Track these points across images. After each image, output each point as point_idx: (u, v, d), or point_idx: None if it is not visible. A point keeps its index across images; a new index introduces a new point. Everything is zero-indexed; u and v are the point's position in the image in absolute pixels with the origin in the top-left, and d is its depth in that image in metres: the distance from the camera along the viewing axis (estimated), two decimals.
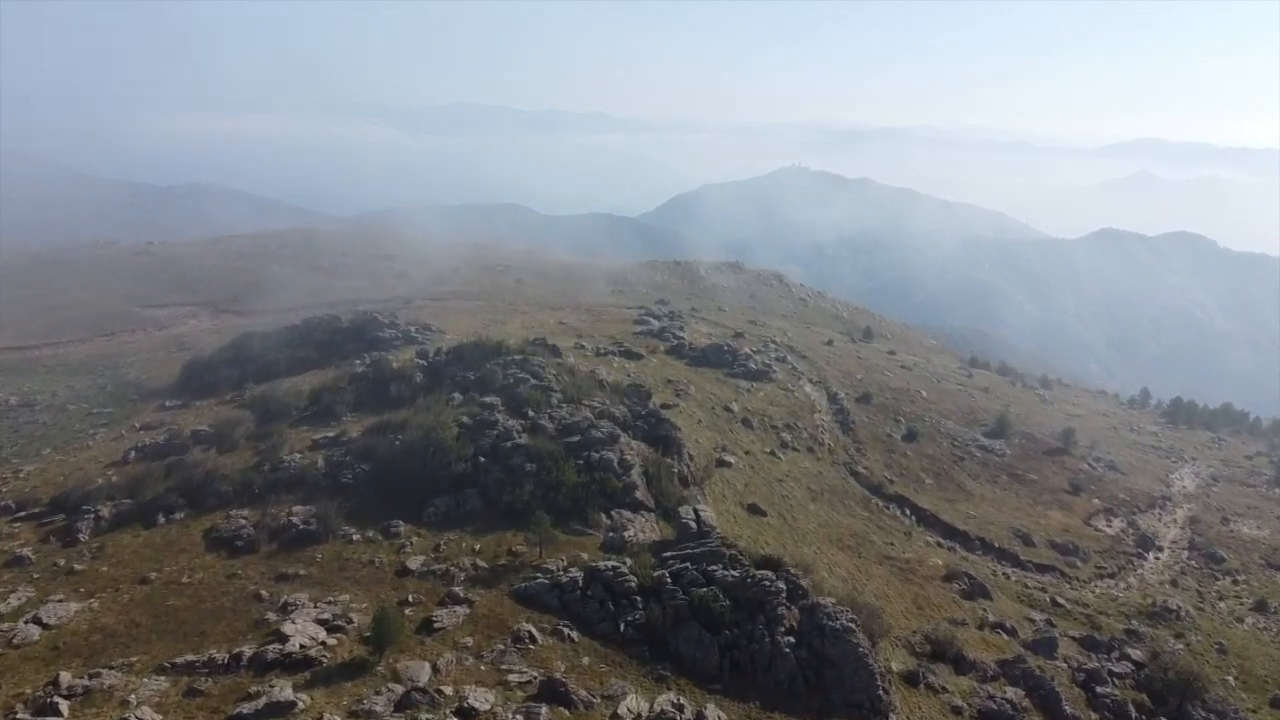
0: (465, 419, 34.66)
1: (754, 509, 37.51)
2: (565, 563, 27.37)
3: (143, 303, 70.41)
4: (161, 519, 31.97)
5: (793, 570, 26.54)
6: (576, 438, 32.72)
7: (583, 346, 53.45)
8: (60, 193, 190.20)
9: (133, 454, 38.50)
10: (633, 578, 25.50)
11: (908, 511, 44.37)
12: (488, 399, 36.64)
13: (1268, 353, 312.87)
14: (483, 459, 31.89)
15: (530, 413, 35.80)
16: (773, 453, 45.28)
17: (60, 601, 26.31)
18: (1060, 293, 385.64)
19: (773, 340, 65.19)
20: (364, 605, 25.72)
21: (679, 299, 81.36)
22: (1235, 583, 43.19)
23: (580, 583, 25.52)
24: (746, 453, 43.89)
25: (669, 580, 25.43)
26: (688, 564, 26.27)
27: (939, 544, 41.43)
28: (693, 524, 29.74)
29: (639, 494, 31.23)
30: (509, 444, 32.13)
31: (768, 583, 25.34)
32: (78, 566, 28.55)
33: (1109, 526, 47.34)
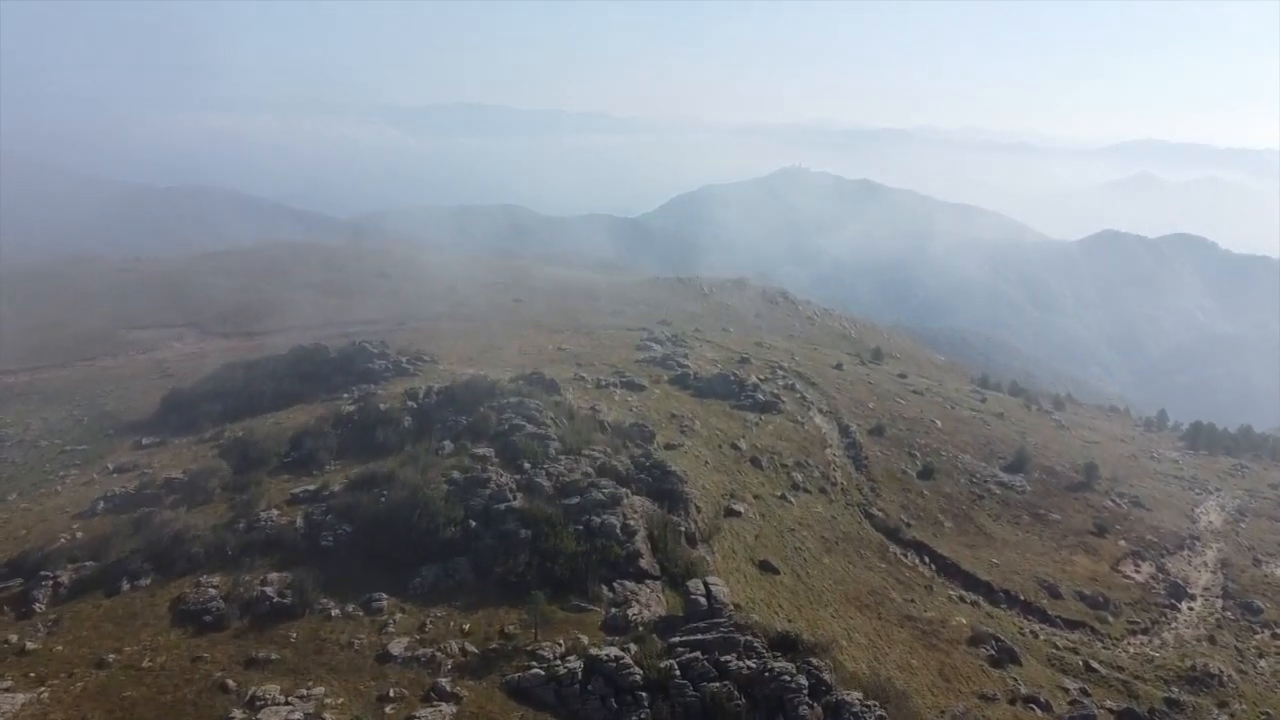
0: (456, 473, 32.12)
1: (766, 566, 35.00)
2: (563, 648, 24.86)
3: (127, 323, 67.81)
4: (126, 585, 29.46)
5: (815, 663, 23.94)
6: (576, 499, 30.15)
7: (582, 378, 50.90)
8: (58, 195, 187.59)
9: (101, 504, 35.99)
10: (638, 670, 22.97)
11: (927, 559, 41.87)
12: (480, 450, 34.10)
13: (1268, 355, 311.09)
14: (474, 523, 29.35)
15: (526, 465, 33.27)
16: (783, 496, 42.75)
17: (7, 691, 23.82)
18: (1061, 295, 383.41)
19: (780, 366, 62.65)
20: (340, 700, 23.19)
21: (682, 319, 78.80)
22: (1275, 635, 40.72)
23: (580, 675, 23.02)
24: (756, 497, 41.38)
25: (678, 673, 22.93)
26: (698, 652, 23.75)
27: (961, 598, 38.92)
28: (703, 599, 27.17)
29: (643, 562, 28.70)
30: (502, 506, 29.58)
31: (787, 677, 22.85)
32: (30, 645, 25.99)
33: (1137, 572, 44.83)
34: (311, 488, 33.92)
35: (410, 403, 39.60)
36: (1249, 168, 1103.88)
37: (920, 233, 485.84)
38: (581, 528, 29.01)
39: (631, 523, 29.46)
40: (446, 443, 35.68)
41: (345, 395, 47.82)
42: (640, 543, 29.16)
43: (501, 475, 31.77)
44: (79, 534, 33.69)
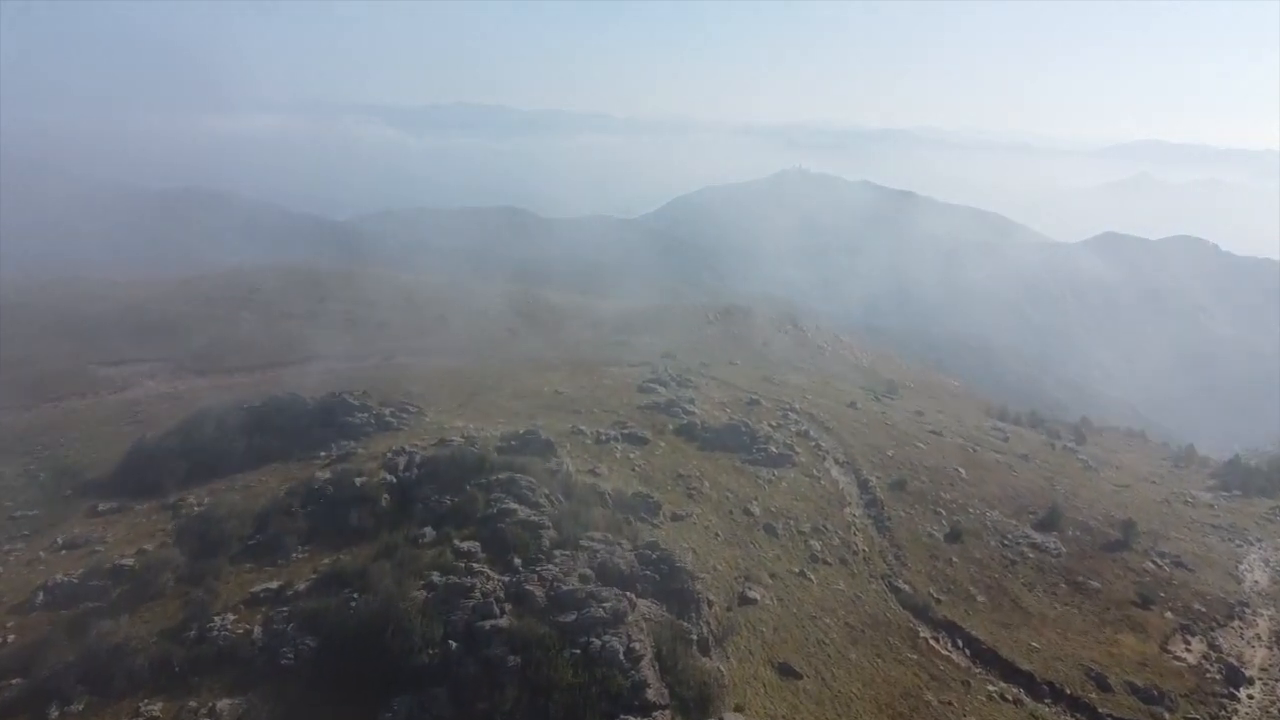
0: (436, 576, 28.12)
1: (787, 670, 31.08)
2: None
3: (98, 358, 63.84)
4: (55, 711, 25.60)
5: None
6: (573, 616, 26.15)
7: (580, 431, 46.92)
8: (56, 199, 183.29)
9: (41, 597, 32.08)
10: None
11: (961, 643, 37.93)
12: (465, 544, 30.10)
13: (1270, 358, 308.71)
14: (454, 644, 25.37)
15: (517, 562, 29.31)
16: (802, 572, 38.80)
17: None
18: (1062, 297, 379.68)
19: (792, 408, 58.67)
20: None
21: (686, 350, 74.81)
22: None
23: None
24: (773, 576, 37.43)
25: None
26: None
27: (1002, 695, 34.94)
28: None
29: (650, 693, 24.74)
30: (488, 625, 25.59)
31: None
32: None
33: (1189, 652, 40.92)
34: (274, 585, 29.97)
35: (389, 476, 35.59)
36: (1249, 169, 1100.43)
37: (921, 234, 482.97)
38: (579, 651, 25.04)
39: (637, 645, 25.49)
40: (428, 530, 31.71)
41: (323, 453, 43.99)
42: (647, 668, 25.19)
43: (489, 580, 27.77)
44: (11, 636, 29.83)
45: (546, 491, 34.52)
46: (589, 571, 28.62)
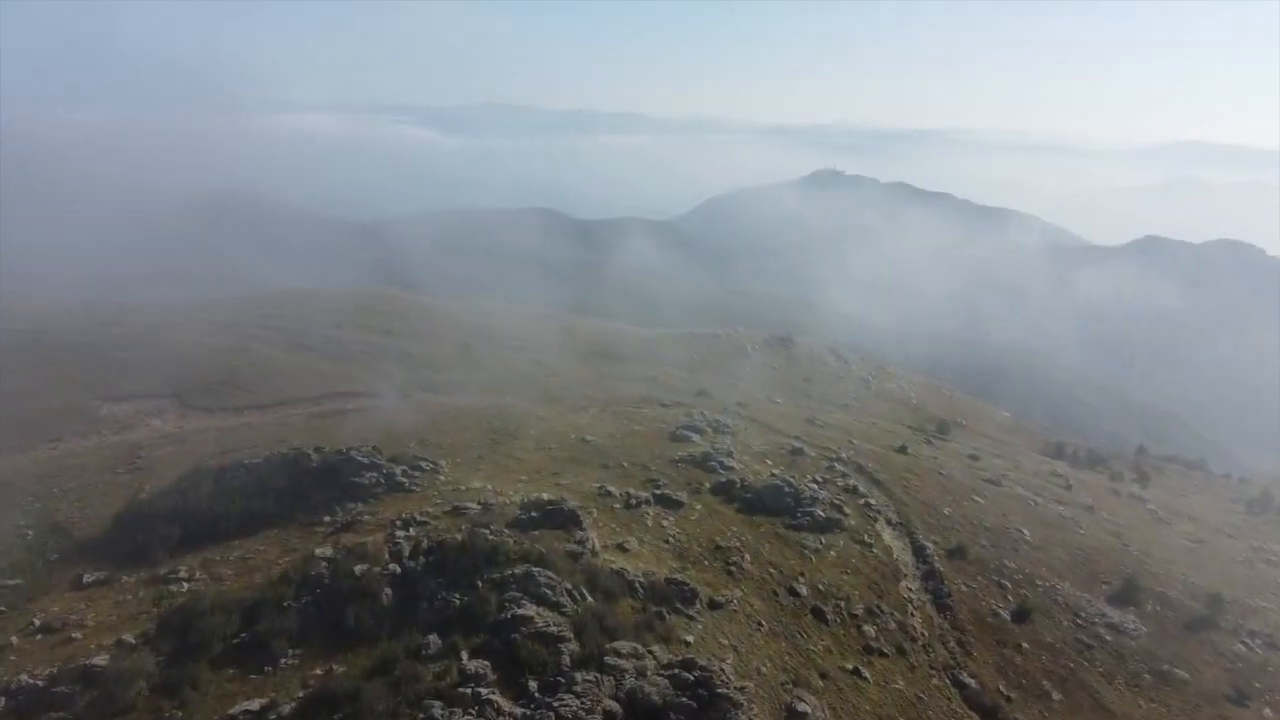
0: (438, 708, 24.14)
1: None
2: None
3: (102, 393, 60.68)
4: None
5: None
6: None
7: (609, 493, 42.80)
8: (90, 199, 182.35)
9: (2, 702, 28.55)
10: None
11: None
12: (473, 664, 26.07)
13: None
14: None
15: (531, 686, 25.29)
16: (856, 670, 34.45)
17: None
18: (1103, 302, 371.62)
19: (839, 456, 54.22)
20: None
21: (723, 386, 70.60)
22: None
23: None
24: (824, 677, 33.14)
25: None
26: None
27: None
28: None
29: None
30: None
31: None
32: None
33: None
34: (255, 706, 26.12)
35: (393, 565, 31.64)
36: None
37: (955, 238, 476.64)
38: None
39: None
40: (432, 638, 27.71)
41: (327, 518, 40.23)
42: None
43: (498, 714, 23.75)
44: None
45: (568, 587, 30.44)
46: (615, 706, 24.48)
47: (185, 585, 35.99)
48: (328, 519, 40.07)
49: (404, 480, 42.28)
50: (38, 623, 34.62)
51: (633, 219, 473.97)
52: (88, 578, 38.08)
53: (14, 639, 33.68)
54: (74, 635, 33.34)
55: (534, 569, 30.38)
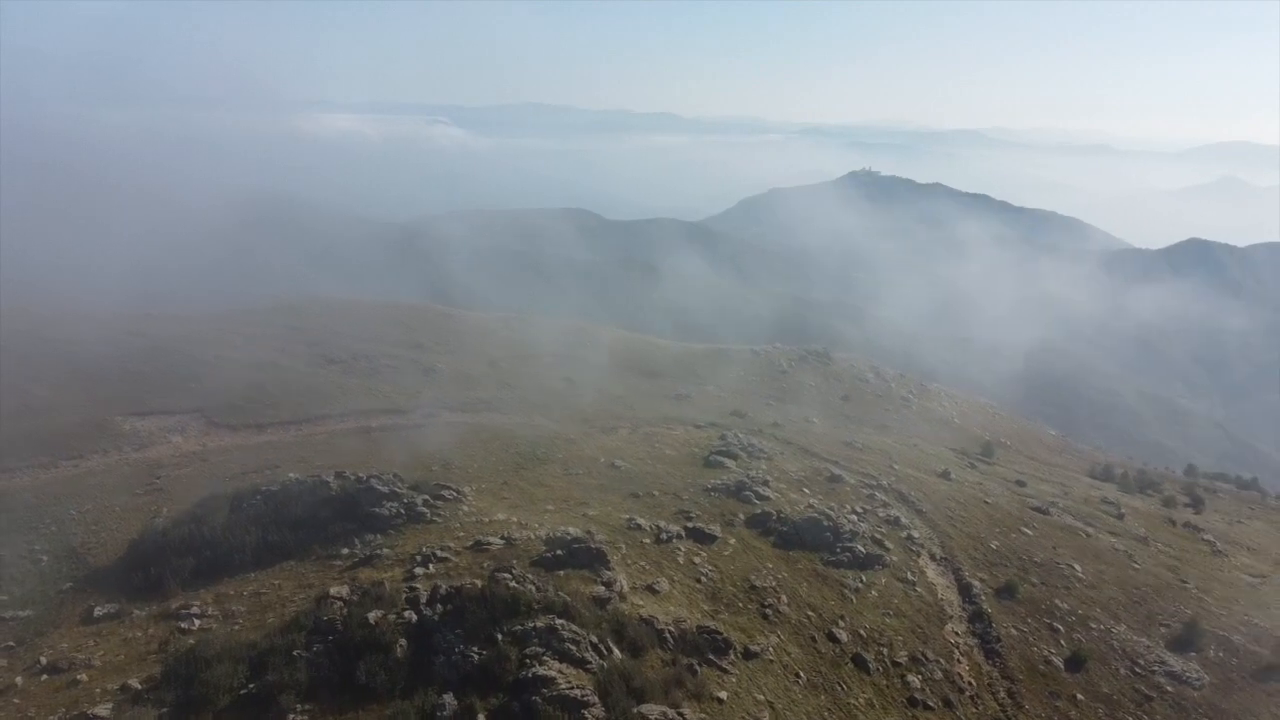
0: None
1: None
2: None
3: (125, 407, 59.68)
4: None
5: None
6: None
7: (638, 527, 40.86)
8: (127, 199, 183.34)
9: None
10: None
11: None
12: None
13: None
14: None
15: None
16: None
17: None
18: (1143, 306, 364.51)
19: (879, 483, 51.90)
20: None
21: (757, 403, 68.48)
22: None
23: None
24: None
25: None
26: None
27: None
28: None
29: None
30: None
31: None
32: None
33: None
34: None
35: (409, 612, 29.89)
36: None
37: (994, 239, 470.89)
38: None
39: None
40: (448, 698, 25.95)
41: (345, 550, 38.69)
42: None
43: None
44: None
45: (593, 640, 28.53)
46: None
47: (196, 623, 34.61)
48: (345, 551, 38.55)
49: (425, 511, 40.61)
50: (44, 661, 33.34)
51: (666, 219, 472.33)
52: (99, 610, 36.81)
53: (19, 679, 32.41)
54: (79, 677, 31.98)
55: (557, 621, 28.51)
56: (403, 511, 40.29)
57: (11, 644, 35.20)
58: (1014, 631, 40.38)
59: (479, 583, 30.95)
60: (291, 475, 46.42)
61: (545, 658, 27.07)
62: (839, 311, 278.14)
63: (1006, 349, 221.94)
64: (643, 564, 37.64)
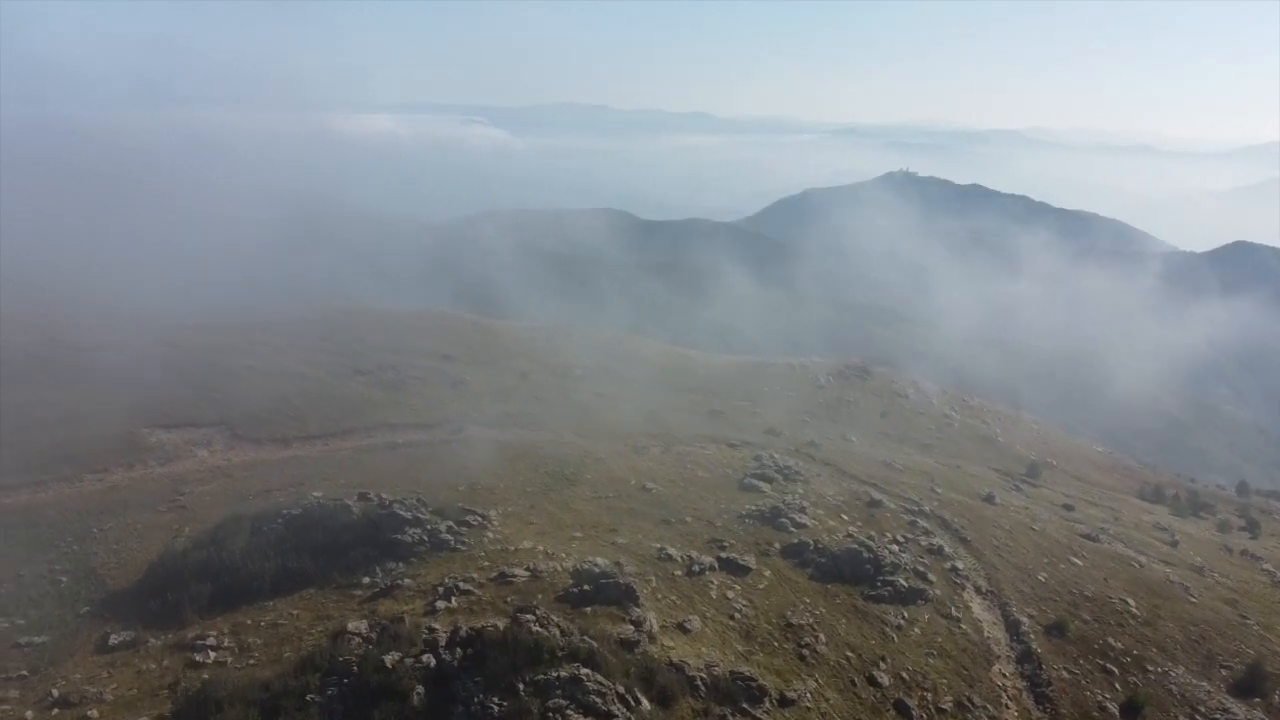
0: None
1: None
2: None
3: (151, 418, 59.07)
4: None
5: None
6: None
7: (669, 557, 39.22)
8: (170, 200, 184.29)
9: None
10: None
11: None
12: None
13: None
14: None
15: None
16: None
17: None
18: (1188, 312, 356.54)
19: (920, 508, 49.83)
20: None
21: (793, 420, 66.55)
22: None
23: None
24: None
25: None
26: None
27: None
28: None
29: None
30: None
31: None
32: None
33: None
34: None
35: (428, 655, 28.47)
36: None
37: (1033, 243, 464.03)
38: None
39: None
40: None
41: (366, 579, 37.45)
42: None
43: None
44: None
45: (620, 690, 26.96)
46: None
47: (211, 655, 33.53)
48: (366, 580, 37.31)
49: (449, 538, 39.26)
50: (56, 693, 32.37)
51: (700, 220, 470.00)
52: (114, 639, 35.85)
53: (29, 713, 31.49)
54: (90, 713, 30.96)
55: (582, 671, 26.96)
56: (426, 539, 38.97)
57: (24, 673, 34.28)
58: (1065, 674, 38.23)
59: (501, 624, 29.47)
60: (315, 495, 45.40)
61: (569, 711, 25.57)
62: (876, 316, 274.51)
63: (1047, 354, 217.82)
64: (673, 598, 36.01)
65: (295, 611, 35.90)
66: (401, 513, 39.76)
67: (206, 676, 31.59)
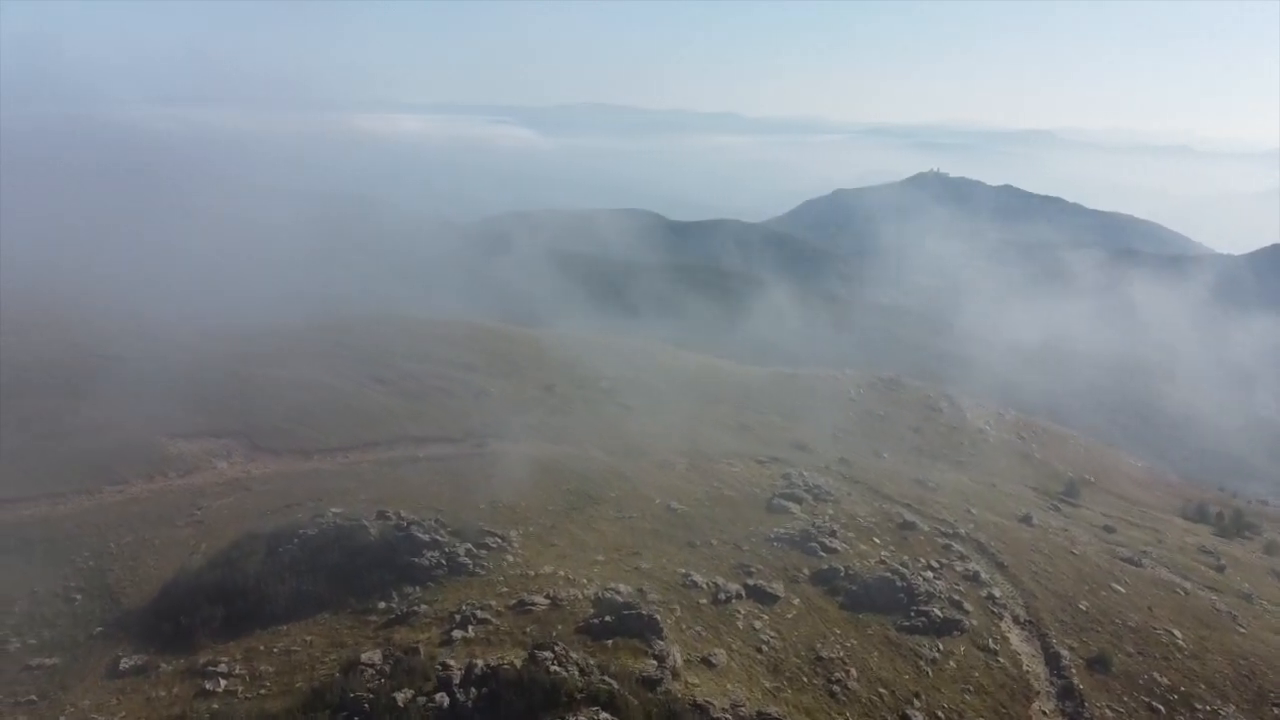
0: None
1: None
2: None
3: (173, 429, 58.51)
4: None
5: None
6: None
7: (694, 584, 37.89)
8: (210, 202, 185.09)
9: None
10: None
11: None
12: None
13: None
14: None
15: None
16: None
17: None
18: (1227, 317, 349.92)
19: (955, 531, 48.10)
20: None
21: (823, 435, 64.96)
22: None
23: None
24: None
25: None
26: None
27: None
28: None
29: None
30: None
31: None
32: None
33: None
34: None
35: (441, 694, 27.32)
36: None
37: (1067, 245, 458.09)
38: None
39: None
40: None
41: (382, 604, 36.43)
42: None
43: None
44: None
45: None
46: None
47: (222, 683, 32.60)
48: (382, 605, 36.29)
49: (468, 561, 38.14)
50: None
51: (728, 221, 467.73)
52: (125, 663, 35.05)
53: None
54: None
55: (601, 715, 25.69)
56: (444, 562, 37.87)
57: (34, 698, 33.55)
58: (1109, 712, 36.46)
59: (518, 662, 28.28)
60: (334, 511, 44.47)
61: None
62: (908, 320, 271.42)
63: (1081, 358, 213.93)
64: (698, 630, 34.65)
65: (309, 637, 34.93)
66: (419, 534, 38.69)
67: (216, 707, 30.72)
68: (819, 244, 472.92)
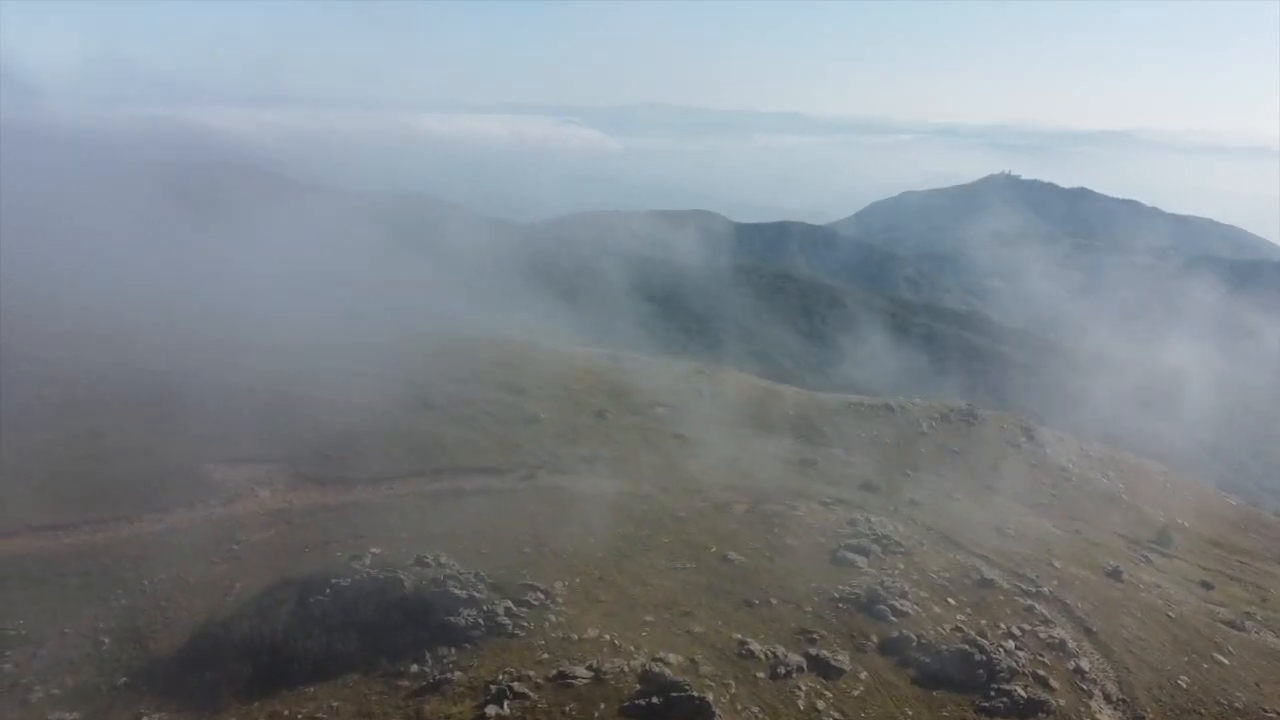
0: None
1: None
2: None
3: (216, 453, 57.11)
4: None
5: None
6: None
7: (750, 653, 34.73)
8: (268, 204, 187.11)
9: None
10: None
11: None
12: None
13: None
14: None
15: None
16: None
17: None
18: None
19: (1038, 589, 44.03)
20: None
21: (893, 473, 61.12)
22: None
23: None
24: None
25: None
26: None
27: None
28: None
29: None
30: None
31: None
32: None
33: None
34: None
35: None
36: None
37: (1146, 249, 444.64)
38: None
39: None
40: None
41: (415, 667, 34.05)
42: None
43: None
44: None
45: None
46: None
47: None
48: (414, 669, 33.89)
49: (507, 621, 35.52)
50: None
51: (793, 223, 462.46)
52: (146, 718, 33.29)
53: None
54: None
55: None
56: (481, 622, 35.29)
57: None
58: None
59: None
60: (372, 552, 42.51)
61: None
62: (972, 324, 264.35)
63: (1159, 371, 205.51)
64: (754, 710, 31.54)
65: (335, 703, 32.65)
66: (455, 591, 36.20)
67: None
68: (886, 247, 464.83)
